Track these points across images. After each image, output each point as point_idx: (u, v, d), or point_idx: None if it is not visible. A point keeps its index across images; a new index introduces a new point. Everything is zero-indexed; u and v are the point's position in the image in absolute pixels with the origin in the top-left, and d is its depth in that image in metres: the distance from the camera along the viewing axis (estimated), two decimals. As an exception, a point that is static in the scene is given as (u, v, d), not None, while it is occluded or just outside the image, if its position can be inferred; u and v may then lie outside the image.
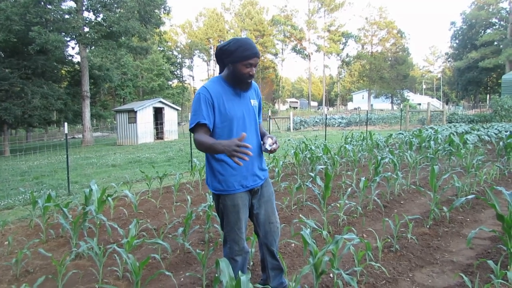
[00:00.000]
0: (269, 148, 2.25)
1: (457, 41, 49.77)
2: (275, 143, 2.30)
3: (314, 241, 2.54)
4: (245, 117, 2.31)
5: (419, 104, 49.53)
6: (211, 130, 2.22)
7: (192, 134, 2.25)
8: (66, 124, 6.89)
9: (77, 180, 7.85)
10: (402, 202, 5.03)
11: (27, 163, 11.82)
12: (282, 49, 60.22)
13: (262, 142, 2.38)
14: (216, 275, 2.39)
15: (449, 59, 56.90)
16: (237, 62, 2.17)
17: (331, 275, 2.84)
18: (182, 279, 2.95)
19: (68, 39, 20.83)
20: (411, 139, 8.85)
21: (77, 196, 6.05)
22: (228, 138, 2.21)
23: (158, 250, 3.39)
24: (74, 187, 6.95)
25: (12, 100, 17.94)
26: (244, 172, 2.27)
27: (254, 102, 2.39)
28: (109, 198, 4.39)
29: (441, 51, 76.61)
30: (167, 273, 2.58)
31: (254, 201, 2.41)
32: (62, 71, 24.35)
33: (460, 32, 48.34)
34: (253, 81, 2.43)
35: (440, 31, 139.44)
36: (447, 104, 49.56)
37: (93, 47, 22.48)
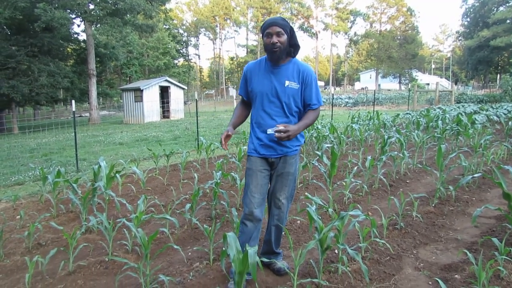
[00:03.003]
0: (268, 132, 2.35)
1: (468, 19, 48.50)
2: (281, 132, 2.22)
3: (320, 217, 2.57)
4: (268, 94, 2.41)
5: (428, 84, 48.80)
6: (247, 99, 2.59)
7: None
8: (73, 102, 6.91)
9: (85, 157, 7.94)
10: (408, 181, 5.04)
11: (35, 140, 11.96)
12: (289, 27, 59.08)
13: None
14: (224, 248, 2.44)
15: (459, 38, 55.65)
16: (263, 37, 2.37)
17: (336, 251, 2.89)
18: (189, 253, 3.01)
19: (74, 16, 20.67)
20: (419, 119, 8.79)
21: (86, 173, 6.14)
22: (255, 111, 2.49)
23: (166, 225, 3.46)
24: (82, 164, 7.04)
25: (19, 78, 18.01)
26: (260, 141, 2.46)
27: (290, 83, 2.40)
28: (117, 174, 4.44)
29: (452, 30, 75.06)
30: (175, 246, 2.64)
31: (272, 172, 2.53)
32: (68, 49, 24.27)
33: (472, 10, 47.03)
34: (305, 64, 2.50)
35: (451, 9, 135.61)
36: (456, 84, 48.75)
37: (99, 25, 22.30)
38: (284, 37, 2.31)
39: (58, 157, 8.30)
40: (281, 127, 2.24)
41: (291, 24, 2.40)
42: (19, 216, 3.92)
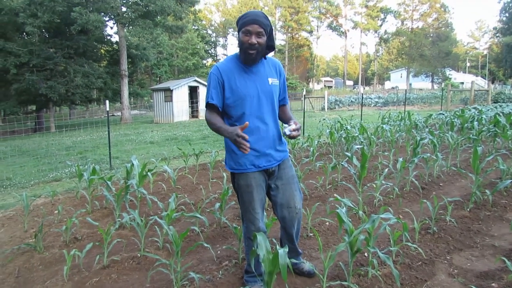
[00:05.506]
0: (288, 133, 2.15)
1: (507, 15, 46.37)
2: (297, 130, 2.17)
3: (350, 220, 2.54)
4: (260, 95, 2.21)
5: (462, 83, 46.92)
6: (221, 109, 2.22)
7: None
8: (107, 101, 7.16)
9: (117, 155, 8.21)
10: (441, 184, 4.88)
11: (71, 138, 12.47)
12: (317, 26, 58.66)
13: (284, 126, 2.25)
14: (253, 248, 2.46)
15: (497, 35, 53.20)
16: (239, 31, 2.14)
17: (366, 254, 2.84)
18: (219, 251, 3.05)
19: (107, 19, 21.40)
20: (453, 120, 8.48)
21: (119, 170, 6.34)
22: (241, 117, 2.19)
23: (196, 223, 3.52)
24: (115, 162, 7.27)
25: (56, 78, 18.87)
26: (256, 152, 2.23)
27: (273, 81, 2.27)
28: (149, 173, 4.56)
29: (489, 26, 71.78)
30: (205, 245, 2.67)
31: (270, 182, 2.36)
32: (102, 51, 25.14)
33: (510, 5, 44.89)
34: (274, 58, 2.39)
35: (488, 4, 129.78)
36: (493, 83, 46.60)
37: (131, 27, 22.97)
38: (264, 39, 2.12)
39: (93, 155, 8.62)
40: (294, 126, 2.17)
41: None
42: (57, 211, 4.11)
